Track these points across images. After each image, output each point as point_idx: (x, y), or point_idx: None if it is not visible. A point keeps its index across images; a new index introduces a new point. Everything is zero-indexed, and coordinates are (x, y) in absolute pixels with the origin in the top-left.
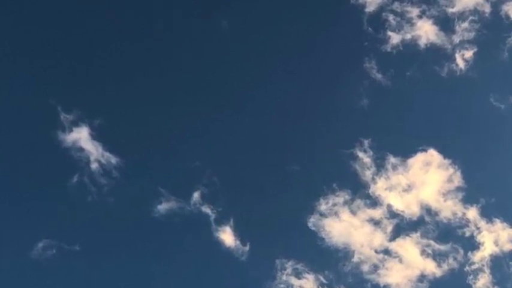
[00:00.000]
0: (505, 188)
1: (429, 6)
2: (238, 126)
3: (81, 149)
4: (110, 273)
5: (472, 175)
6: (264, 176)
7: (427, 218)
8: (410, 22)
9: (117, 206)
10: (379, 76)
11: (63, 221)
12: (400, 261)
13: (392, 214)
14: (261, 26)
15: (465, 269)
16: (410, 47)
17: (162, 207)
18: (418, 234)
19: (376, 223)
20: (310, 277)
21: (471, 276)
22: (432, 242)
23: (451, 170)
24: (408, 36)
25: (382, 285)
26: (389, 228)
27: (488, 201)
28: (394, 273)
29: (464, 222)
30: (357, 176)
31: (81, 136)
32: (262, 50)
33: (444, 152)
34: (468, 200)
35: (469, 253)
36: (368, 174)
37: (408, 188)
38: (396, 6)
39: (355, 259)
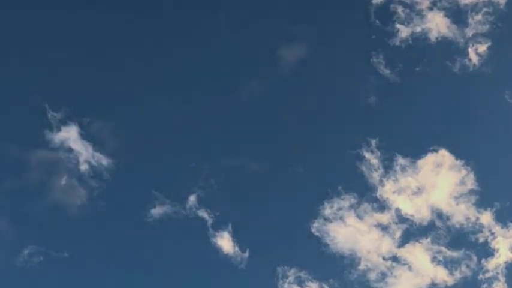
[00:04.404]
0: None
1: None
2: (237, 125)
3: (70, 150)
4: (101, 282)
5: (486, 177)
6: (264, 177)
7: (438, 223)
8: (420, 14)
9: (108, 210)
10: (387, 72)
11: (51, 226)
12: (410, 268)
13: (401, 219)
14: (261, 18)
15: (479, 277)
16: (420, 41)
17: (156, 211)
18: (429, 240)
19: (384, 228)
20: (314, 285)
21: (485, 285)
22: (443, 249)
23: (464, 172)
24: (418, 29)
25: None
26: (398, 234)
27: (503, 205)
28: (403, 282)
29: (478, 228)
30: (363, 178)
31: (69, 136)
32: (262, 44)
33: (456, 152)
34: (482, 203)
35: (483, 260)
36: (375, 176)
37: (418, 191)
38: None
39: (362, 266)
